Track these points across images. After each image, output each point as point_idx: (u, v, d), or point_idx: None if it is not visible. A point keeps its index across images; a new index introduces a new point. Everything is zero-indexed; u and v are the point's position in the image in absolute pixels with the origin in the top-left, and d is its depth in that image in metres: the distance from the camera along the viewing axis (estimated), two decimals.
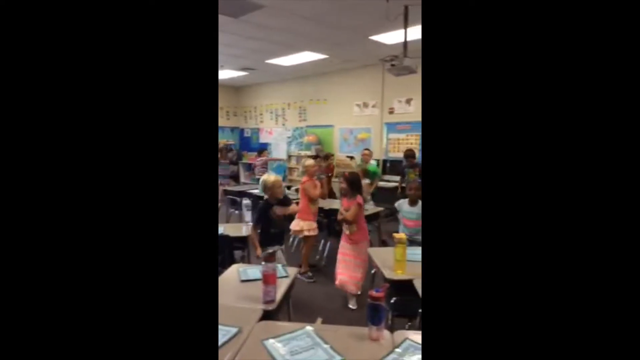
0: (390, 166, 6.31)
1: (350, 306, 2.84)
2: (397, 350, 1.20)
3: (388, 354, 1.17)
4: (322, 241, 3.88)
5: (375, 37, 4.53)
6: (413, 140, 6.06)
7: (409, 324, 1.92)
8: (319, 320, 2.36)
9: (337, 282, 2.78)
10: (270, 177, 2.75)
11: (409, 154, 4.91)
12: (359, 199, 2.82)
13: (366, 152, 5.17)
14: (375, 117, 6.57)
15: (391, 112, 6.31)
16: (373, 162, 5.26)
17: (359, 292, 2.81)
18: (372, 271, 2.36)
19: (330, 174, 5.26)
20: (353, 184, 2.86)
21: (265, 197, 2.73)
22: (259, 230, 2.61)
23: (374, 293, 1.27)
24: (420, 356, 1.16)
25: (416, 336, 1.31)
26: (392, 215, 4.06)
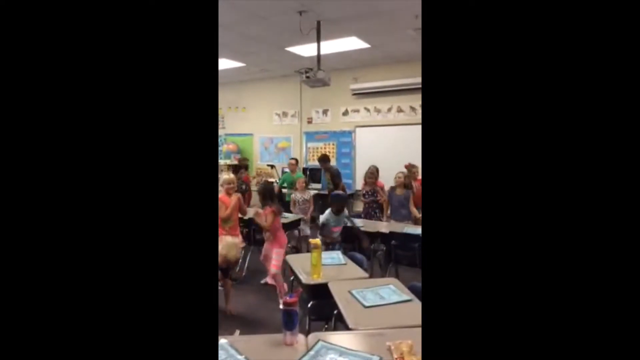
0: (310, 174, 6.46)
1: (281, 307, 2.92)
2: (311, 352, 1.24)
3: (301, 357, 1.21)
4: (242, 252, 3.80)
5: (291, 49, 4.63)
6: (331, 149, 6.30)
7: (326, 326, 1.99)
8: (237, 332, 2.31)
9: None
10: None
11: (323, 158, 5.08)
12: (273, 207, 2.88)
13: (292, 161, 5.19)
14: (295, 127, 6.69)
15: (309, 122, 6.49)
16: (299, 173, 5.28)
17: (272, 282, 3.01)
18: (291, 279, 2.39)
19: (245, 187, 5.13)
20: (265, 194, 2.93)
21: None
22: None
23: (287, 299, 1.30)
24: (332, 354, 1.23)
25: (329, 337, 1.37)
26: (313, 222, 4.16)
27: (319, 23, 3.53)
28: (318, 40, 3.62)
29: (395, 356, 1.19)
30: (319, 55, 3.65)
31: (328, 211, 3.12)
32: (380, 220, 3.79)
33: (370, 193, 3.91)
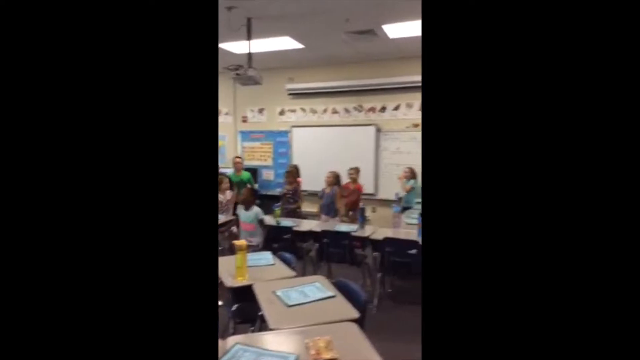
0: None
1: None
2: (226, 356, 1.20)
3: None
4: None
5: (222, 45, 4.48)
6: (268, 149, 6.23)
7: (252, 328, 1.94)
8: None
9: None
10: None
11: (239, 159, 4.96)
12: None
13: (238, 159, 4.84)
14: (229, 125, 6.49)
15: (245, 120, 6.35)
16: (246, 172, 5.04)
17: None
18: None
19: None
20: None
21: None
22: None
23: None
24: (248, 356, 1.19)
25: (250, 339, 1.34)
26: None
27: (249, 20, 3.46)
28: (249, 38, 3.55)
29: (312, 352, 1.20)
30: (249, 54, 3.58)
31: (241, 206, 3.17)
32: (300, 217, 3.95)
33: (291, 193, 4.06)
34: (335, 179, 3.98)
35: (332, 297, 1.71)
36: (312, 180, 4.94)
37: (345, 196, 4.04)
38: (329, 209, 3.96)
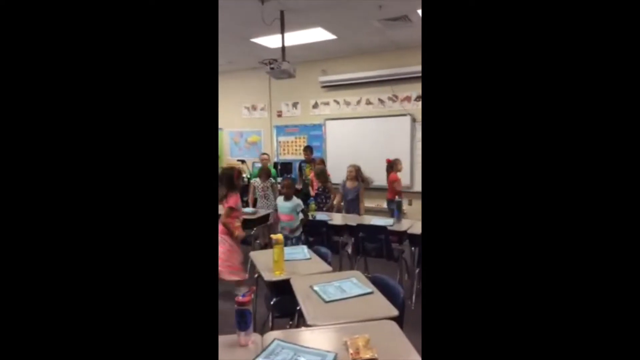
0: (282, 168, 6.39)
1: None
2: (264, 352, 1.20)
3: (255, 358, 1.17)
4: None
5: (257, 40, 4.52)
6: (302, 143, 6.24)
7: (290, 322, 1.95)
8: None
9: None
10: None
11: (309, 150, 5.03)
12: (230, 201, 2.62)
13: (265, 156, 5.10)
14: (265, 120, 6.58)
15: (279, 115, 6.40)
16: (271, 168, 5.22)
17: (246, 276, 2.71)
18: (256, 276, 2.34)
19: None
20: (225, 181, 2.66)
21: None
22: None
23: (239, 298, 1.25)
24: (287, 353, 1.19)
25: (288, 334, 1.34)
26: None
27: (282, 13, 3.44)
28: (282, 31, 3.54)
29: (350, 351, 1.18)
30: (283, 46, 3.58)
31: (281, 197, 3.14)
32: (329, 211, 3.93)
33: (321, 190, 4.05)
34: (357, 173, 3.78)
35: (370, 293, 1.67)
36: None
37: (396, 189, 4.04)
38: (350, 205, 3.79)
